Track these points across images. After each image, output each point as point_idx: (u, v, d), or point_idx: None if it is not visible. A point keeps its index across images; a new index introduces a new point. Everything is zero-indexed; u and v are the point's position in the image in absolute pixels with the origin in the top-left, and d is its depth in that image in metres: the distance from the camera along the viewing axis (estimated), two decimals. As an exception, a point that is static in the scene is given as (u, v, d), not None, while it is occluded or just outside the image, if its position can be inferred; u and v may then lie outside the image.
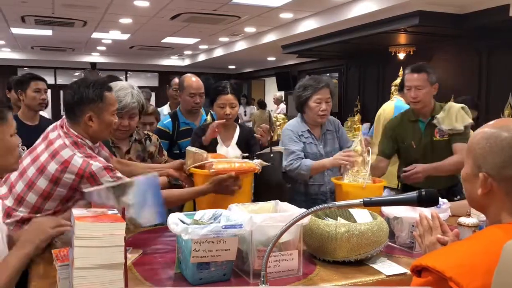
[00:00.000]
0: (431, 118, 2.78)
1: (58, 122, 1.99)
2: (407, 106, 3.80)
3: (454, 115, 2.75)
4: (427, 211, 1.89)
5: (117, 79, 4.03)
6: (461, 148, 2.68)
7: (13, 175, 1.90)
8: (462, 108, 2.78)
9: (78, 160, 1.82)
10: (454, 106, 2.81)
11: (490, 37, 6.02)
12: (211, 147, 2.71)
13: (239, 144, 2.82)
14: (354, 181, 2.36)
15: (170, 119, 3.20)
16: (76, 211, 1.43)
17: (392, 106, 4.13)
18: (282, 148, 2.69)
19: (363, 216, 1.95)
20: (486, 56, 6.24)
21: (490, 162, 1.06)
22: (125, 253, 1.38)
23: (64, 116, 2.00)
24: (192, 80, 3.22)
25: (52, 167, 1.82)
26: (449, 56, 6.87)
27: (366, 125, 6.75)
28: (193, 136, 2.81)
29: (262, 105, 10.45)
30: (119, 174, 1.89)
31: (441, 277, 0.95)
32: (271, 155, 2.56)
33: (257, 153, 2.60)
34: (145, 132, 2.66)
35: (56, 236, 1.58)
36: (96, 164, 1.84)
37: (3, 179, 1.93)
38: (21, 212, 1.85)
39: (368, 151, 2.41)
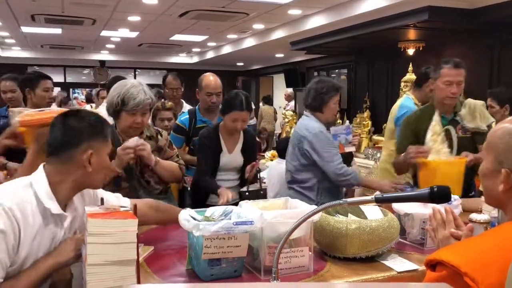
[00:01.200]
0: (454, 114, 2.77)
1: None
2: (413, 106, 3.78)
3: (478, 113, 2.75)
4: (439, 207, 1.89)
5: (122, 78, 4.05)
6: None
7: None
8: (482, 105, 2.80)
9: None
10: (476, 104, 2.80)
11: (501, 32, 5.95)
12: (215, 154, 2.80)
13: (243, 150, 2.87)
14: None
15: (187, 116, 3.27)
16: (88, 208, 1.45)
17: (398, 105, 4.06)
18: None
19: (373, 213, 1.95)
20: (497, 51, 6.17)
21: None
22: (137, 250, 1.39)
23: None
24: (210, 79, 3.24)
25: None
26: (459, 52, 6.80)
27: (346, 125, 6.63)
28: (201, 140, 2.83)
29: (268, 100, 10.50)
30: None
31: (456, 271, 0.94)
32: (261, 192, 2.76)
33: (246, 190, 2.71)
34: (155, 128, 2.66)
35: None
36: None
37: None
38: None
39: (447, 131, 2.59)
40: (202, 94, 3.24)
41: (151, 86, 2.55)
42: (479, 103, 2.83)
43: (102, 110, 3.94)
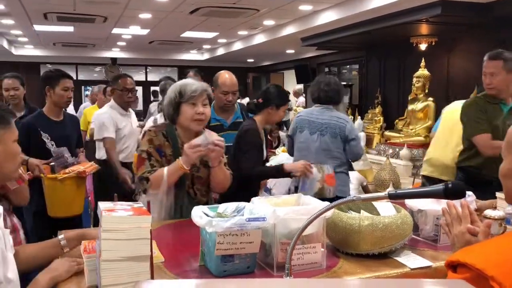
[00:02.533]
0: None
1: None
2: None
3: None
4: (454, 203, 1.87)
5: (128, 76, 4.04)
6: None
7: None
8: None
9: None
10: None
11: (515, 26, 5.88)
12: (261, 150, 2.94)
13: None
14: None
15: None
16: (102, 205, 1.46)
17: None
18: None
19: (386, 209, 1.94)
20: (510, 46, 6.09)
21: None
22: (151, 246, 1.40)
23: None
24: (226, 77, 3.19)
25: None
26: (472, 46, 6.73)
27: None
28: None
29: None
30: None
31: (480, 275, 0.92)
32: None
33: None
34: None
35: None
36: None
37: None
38: None
39: None
40: (217, 92, 3.18)
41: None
42: None
43: (104, 109, 3.95)
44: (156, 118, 4.37)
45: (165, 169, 2.22)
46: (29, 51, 12.50)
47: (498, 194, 2.54)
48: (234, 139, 2.99)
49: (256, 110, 3.04)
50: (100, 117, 3.83)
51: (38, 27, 8.90)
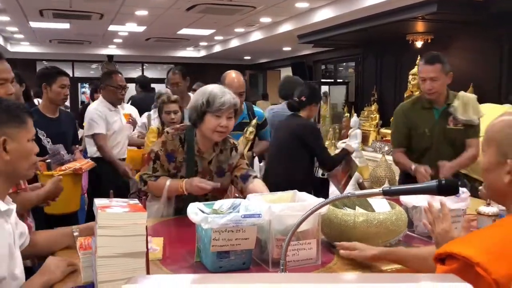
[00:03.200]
0: (446, 106, 2.79)
1: None
2: None
3: (470, 106, 2.76)
4: (447, 200, 1.89)
5: (118, 72, 4.00)
6: (475, 143, 2.76)
7: None
8: (475, 98, 2.81)
9: None
10: (469, 96, 2.82)
11: (510, 24, 5.89)
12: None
13: None
14: None
15: None
16: (98, 201, 1.46)
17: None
18: None
19: (381, 206, 1.95)
20: (507, 44, 6.10)
21: None
22: (147, 242, 1.41)
23: None
24: (233, 77, 3.11)
25: None
26: (468, 44, 6.74)
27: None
28: None
29: (265, 97, 11.42)
30: None
31: (467, 263, 0.95)
32: None
33: None
34: (232, 141, 2.45)
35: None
36: None
37: None
38: None
39: None
40: None
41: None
42: (472, 96, 2.85)
43: (94, 105, 3.91)
44: (150, 113, 4.38)
45: (167, 184, 2.21)
46: (25, 48, 12.44)
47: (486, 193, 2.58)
48: (288, 136, 3.29)
49: (300, 108, 3.33)
50: (89, 113, 3.77)
51: (34, 24, 8.87)
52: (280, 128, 3.45)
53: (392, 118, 3.17)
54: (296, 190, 1.95)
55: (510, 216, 1.10)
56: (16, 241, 1.49)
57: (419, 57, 6.25)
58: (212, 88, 2.26)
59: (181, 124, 2.54)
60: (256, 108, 3.40)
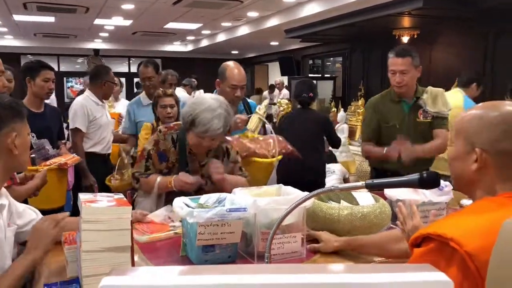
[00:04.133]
0: (415, 99, 2.80)
1: None
2: (472, 102, 3.85)
3: (440, 99, 2.79)
4: (428, 194, 1.92)
5: (107, 68, 3.98)
6: (443, 133, 2.78)
7: None
8: (443, 92, 2.84)
9: None
10: (437, 90, 2.84)
11: (496, 20, 5.96)
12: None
13: None
14: None
15: None
16: (83, 196, 1.46)
17: (461, 99, 4.01)
18: None
19: (365, 199, 1.97)
20: (492, 39, 6.18)
21: (484, 137, 1.12)
22: (132, 236, 1.41)
23: None
24: (235, 71, 2.84)
25: None
26: (454, 40, 6.82)
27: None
28: None
29: (259, 91, 11.00)
30: None
31: (442, 241, 0.99)
32: None
33: None
34: (225, 146, 2.37)
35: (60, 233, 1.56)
36: None
37: None
38: None
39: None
40: (224, 86, 2.82)
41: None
42: (440, 90, 2.86)
43: (80, 98, 3.88)
44: None
45: (157, 181, 2.21)
46: (9, 41, 12.27)
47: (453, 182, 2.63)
48: (314, 127, 3.64)
49: (310, 103, 3.89)
50: (74, 106, 3.72)
51: (17, 17, 8.74)
52: (300, 121, 3.75)
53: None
54: (281, 184, 1.96)
55: (479, 201, 1.16)
56: (8, 237, 1.49)
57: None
58: (205, 108, 2.10)
59: (175, 123, 2.45)
60: (249, 100, 3.26)
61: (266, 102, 3.00)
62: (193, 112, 2.11)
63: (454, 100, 3.82)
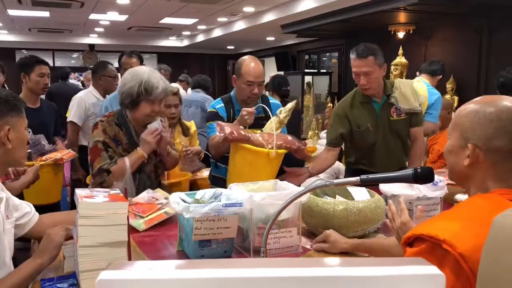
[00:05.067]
0: (386, 97, 2.69)
1: None
2: (435, 91, 3.84)
3: (410, 93, 2.68)
4: (423, 189, 1.94)
5: (105, 63, 3.99)
6: (419, 132, 2.76)
7: None
8: (412, 84, 2.77)
9: None
10: (407, 83, 2.74)
11: (490, 15, 5.98)
12: None
13: None
14: None
15: (222, 104, 2.75)
16: (79, 191, 1.46)
17: (425, 89, 3.85)
18: None
19: (361, 194, 1.98)
20: (487, 35, 6.20)
21: (478, 134, 1.12)
22: (128, 232, 1.42)
23: None
24: (251, 65, 2.65)
25: None
26: (449, 35, 6.83)
27: None
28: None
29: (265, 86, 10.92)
30: None
31: (434, 242, 1.00)
32: None
33: None
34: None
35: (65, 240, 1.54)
36: None
37: None
38: None
39: None
40: (240, 82, 2.66)
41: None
42: (409, 82, 2.76)
43: (82, 93, 3.87)
44: None
45: (126, 160, 2.24)
46: (3, 36, 12.18)
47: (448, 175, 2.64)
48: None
49: (288, 95, 4.61)
50: (74, 100, 3.75)
51: (12, 12, 8.68)
52: None
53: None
54: (277, 180, 1.97)
55: (471, 198, 1.17)
56: (6, 229, 1.49)
57: (400, 48, 6.35)
58: (148, 75, 2.26)
59: (109, 112, 2.53)
60: (272, 100, 2.92)
61: (290, 105, 2.49)
62: (141, 81, 2.23)
63: (419, 90, 3.86)
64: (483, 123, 1.12)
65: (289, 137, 2.38)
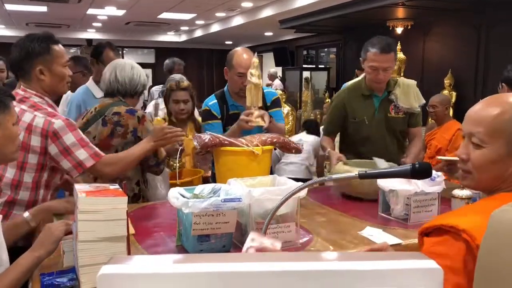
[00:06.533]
0: (387, 93, 2.68)
1: (16, 89, 1.95)
2: None
3: (412, 93, 2.67)
4: (421, 184, 1.94)
5: (84, 60, 3.87)
6: (419, 131, 2.76)
7: None
8: (415, 85, 2.74)
9: (39, 120, 1.82)
10: (410, 83, 2.73)
11: (489, 11, 5.98)
12: None
13: None
14: None
15: (215, 101, 2.69)
16: (78, 186, 1.46)
17: None
18: None
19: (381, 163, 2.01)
20: (485, 30, 6.20)
21: None
22: (128, 226, 1.42)
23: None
24: (243, 57, 2.56)
25: (20, 136, 1.79)
26: (447, 30, 6.83)
27: None
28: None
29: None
30: (82, 134, 1.90)
31: (455, 232, 1.00)
32: None
33: None
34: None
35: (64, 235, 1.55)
36: (58, 122, 1.83)
37: None
38: (6, 191, 1.84)
39: None
40: (232, 74, 2.59)
41: (140, 65, 2.48)
42: (412, 82, 2.74)
43: (81, 90, 3.75)
44: (158, 102, 4.11)
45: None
46: (0, 31, 12.15)
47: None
48: None
49: None
50: (71, 97, 3.65)
51: (9, 6, 8.65)
52: None
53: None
54: (275, 175, 1.98)
55: (497, 195, 1.13)
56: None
57: (399, 43, 6.36)
58: (131, 67, 2.36)
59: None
60: (266, 89, 2.76)
61: (256, 62, 2.45)
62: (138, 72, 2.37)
63: None
64: None
65: (274, 134, 2.33)
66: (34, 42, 1.90)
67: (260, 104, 2.40)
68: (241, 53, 2.58)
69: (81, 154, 1.86)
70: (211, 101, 2.69)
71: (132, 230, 1.78)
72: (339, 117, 2.75)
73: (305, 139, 4.67)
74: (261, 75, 2.44)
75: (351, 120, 2.72)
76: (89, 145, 1.91)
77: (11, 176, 1.85)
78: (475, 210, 1.09)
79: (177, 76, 3.91)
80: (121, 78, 2.33)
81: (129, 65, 2.37)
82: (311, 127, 4.94)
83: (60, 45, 1.99)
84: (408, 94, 2.66)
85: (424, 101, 2.78)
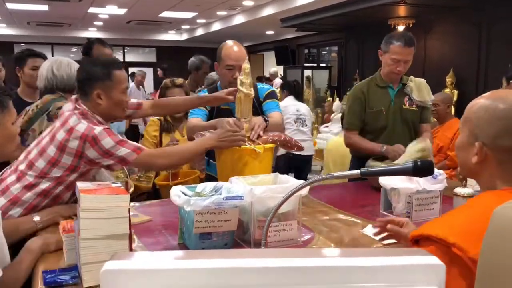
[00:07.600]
0: (401, 85, 2.80)
1: (74, 97, 2.02)
2: None
3: (424, 88, 2.80)
4: (422, 182, 1.94)
5: (43, 57, 3.82)
6: (429, 127, 2.86)
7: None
8: (426, 82, 2.85)
9: (82, 126, 1.85)
10: (421, 80, 2.85)
11: (489, 9, 5.97)
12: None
13: None
14: None
15: (206, 93, 2.57)
16: (80, 184, 1.47)
17: None
18: None
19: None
20: (486, 28, 6.19)
21: (486, 131, 1.08)
22: (130, 224, 1.42)
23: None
24: (233, 49, 2.44)
25: (60, 135, 1.85)
26: (448, 28, 6.82)
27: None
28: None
29: (266, 79, 11.32)
30: (119, 137, 1.92)
31: (443, 244, 0.98)
32: None
33: None
34: None
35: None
36: (98, 128, 1.86)
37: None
38: (30, 177, 1.87)
39: None
40: (221, 67, 2.47)
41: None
42: (423, 80, 2.86)
43: None
44: None
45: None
46: (1, 30, 12.16)
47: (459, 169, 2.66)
48: None
49: None
50: None
51: (10, 5, 8.66)
52: None
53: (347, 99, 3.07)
54: (277, 173, 1.98)
55: (482, 194, 1.14)
56: None
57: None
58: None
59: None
60: (260, 85, 2.66)
61: (247, 66, 2.31)
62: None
63: None
64: (491, 121, 1.07)
65: (276, 132, 2.26)
66: (97, 66, 1.93)
67: (251, 117, 2.21)
68: (230, 46, 2.46)
69: (122, 151, 1.89)
70: (202, 94, 2.59)
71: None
72: (361, 107, 2.82)
73: (303, 111, 4.88)
74: (252, 83, 2.24)
75: (369, 111, 2.81)
76: (129, 142, 1.93)
77: (40, 166, 1.87)
78: (466, 214, 1.07)
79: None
80: (58, 74, 2.45)
81: (65, 62, 2.46)
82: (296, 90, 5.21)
83: (123, 70, 2.00)
84: (421, 88, 2.79)
85: (433, 98, 2.89)
